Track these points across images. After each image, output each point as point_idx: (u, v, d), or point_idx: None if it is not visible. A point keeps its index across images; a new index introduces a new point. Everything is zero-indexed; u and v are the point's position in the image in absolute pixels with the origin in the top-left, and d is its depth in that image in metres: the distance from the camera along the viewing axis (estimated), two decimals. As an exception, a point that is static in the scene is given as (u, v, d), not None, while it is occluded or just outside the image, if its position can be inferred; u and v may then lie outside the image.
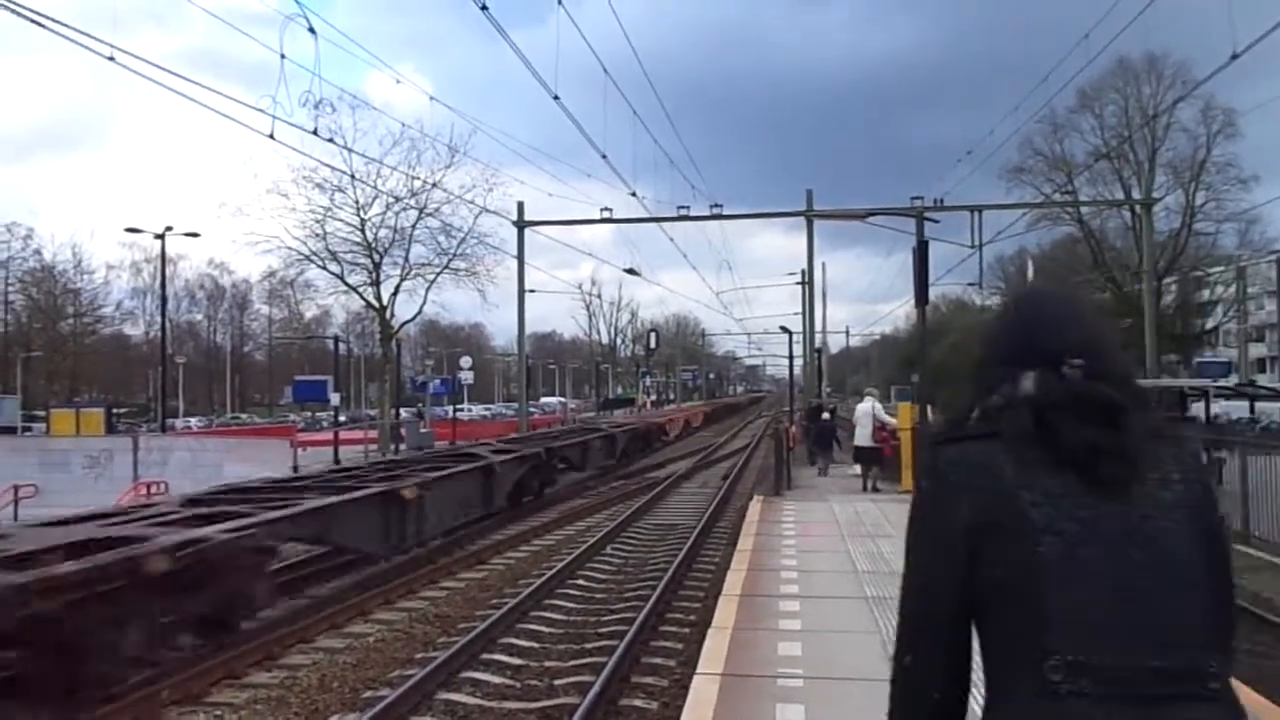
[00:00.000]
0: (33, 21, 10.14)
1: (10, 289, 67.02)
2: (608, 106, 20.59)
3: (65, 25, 10.65)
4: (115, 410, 43.18)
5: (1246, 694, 5.26)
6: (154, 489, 18.69)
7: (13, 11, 9.79)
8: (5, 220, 67.47)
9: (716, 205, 29.40)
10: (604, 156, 21.57)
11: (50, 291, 67.92)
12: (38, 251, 66.72)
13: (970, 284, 44.72)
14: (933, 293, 18.27)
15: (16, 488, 19.41)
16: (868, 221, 25.49)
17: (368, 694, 7.52)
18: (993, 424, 1.39)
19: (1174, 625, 1.28)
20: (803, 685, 5.49)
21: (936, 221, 20.71)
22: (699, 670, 5.81)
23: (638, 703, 7.14)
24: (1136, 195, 43.22)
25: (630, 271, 36.63)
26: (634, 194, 25.70)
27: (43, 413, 45.30)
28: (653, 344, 66.09)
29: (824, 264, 48.48)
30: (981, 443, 1.38)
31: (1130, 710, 1.22)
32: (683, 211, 28.75)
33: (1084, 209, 46.73)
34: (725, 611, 7.26)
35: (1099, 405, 1.34)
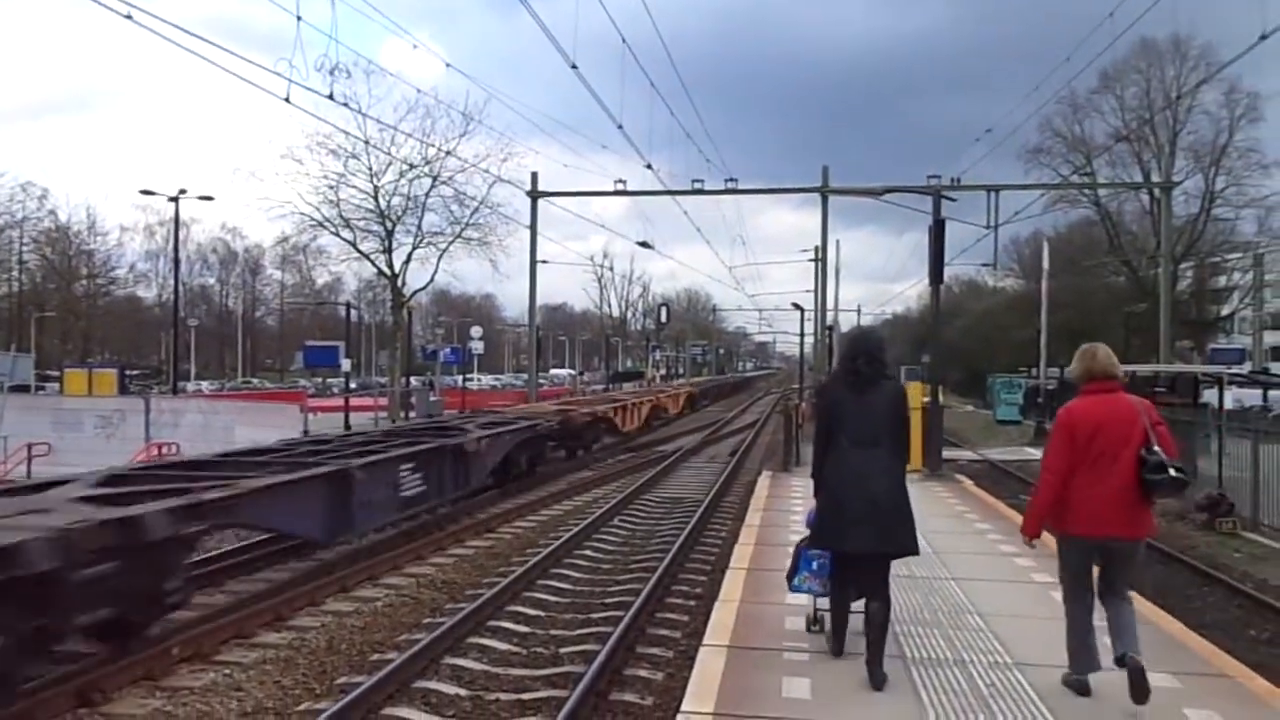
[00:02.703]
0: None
1: (25, 249, 67.30)
2: (625, 79, 20.43)
3: (82, -17, 10.63)
4: (127, 372, 43.36)
5: (1257, 682, 5.26)
6: (166, 450, 18.81)
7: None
8: (20, 180, 67.71)
9: (731, 180, 29.22)
10: (620, 127, 21.43)
11: (64, 252, 68.23)
12: (52, 212, 67.02)
13: (984, 265, 44.50)
14: (946, 273, 18.13)
15: (30, 446, 19.58)
16: (883, 199, 25.32)
17: (375, 657, 7.59)
18: (837, 375, 5.87)
19: (874, 428, 5.32)
20: (808, 659, 5.50)
21: (954, 200, 20.53)
22: (705, 642, 5.83)
23: (643, 673, 7.18)
24: (1156, 178, 42.81)
25: (643, 245, 36.48)
26: (649, 166, 25.52)
27: (56, 372, 45.58)
28: (663, 318, 66.05)
29: (838, 241, 48.30)
30: (833, 382, 5.86)
31: (858, 450, 5.27)
32: (697, 185, 28.57)
33: (1101, 191, 46.35)
34: (732, 584, 7.27)
35: (860, 370, 5.41)
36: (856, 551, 5.18)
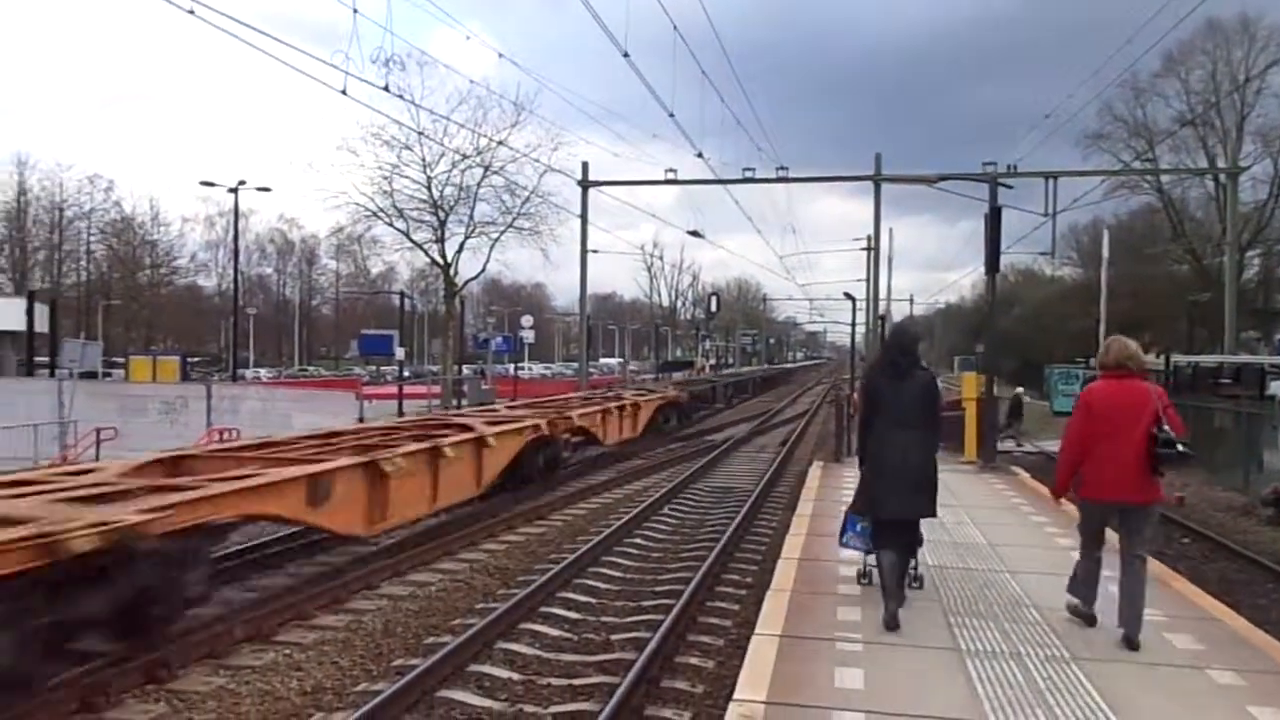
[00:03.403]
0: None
1: (92, 239, 69.30)
2: (677, 66, 20.35)
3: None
4: (188, 359, 44.48)
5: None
6: (226, 435, 19.26)
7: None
8: (88, 172, 69.63)
9: (782, 168, 28.96)
10: (671, 116, 21.34)
11: (129, 242, 70.12)
12: (118, 203, 69.01)
13: (1042, 253, 43.48)
14: (1002, 261, 17.82)
15: (98, 430, 20.18)
16: (936, 187, 24.92)
17: (429, 640, 7.72)
18: (877, 366, 6.81)
19: (909, 412, 6.21)
20: (862, 650, 5.47)
21: (1011, 187, 20.12)
22: (758, 631, 5.82)
23: (693, 660, 7.21)
24: (1221, 164, 41.52)
25: (694, 234, 36.32)
26: (700, 155, 25.39)
27: (121, 359, 46.93)
28: (713, 307, 65.84)
29: (890, 229, 47.68)
30: (874, 372, 6.84)
31: (895, 431, 6.18)
32: (748, 174, 28.37)
33: (1164, 178, 45.07)
34: (784, 574, 7.25)
35: (897, 361, 6.37)
36: (890, 517, 6.27)
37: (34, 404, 22.79)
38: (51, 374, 30.53)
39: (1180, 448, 5.43)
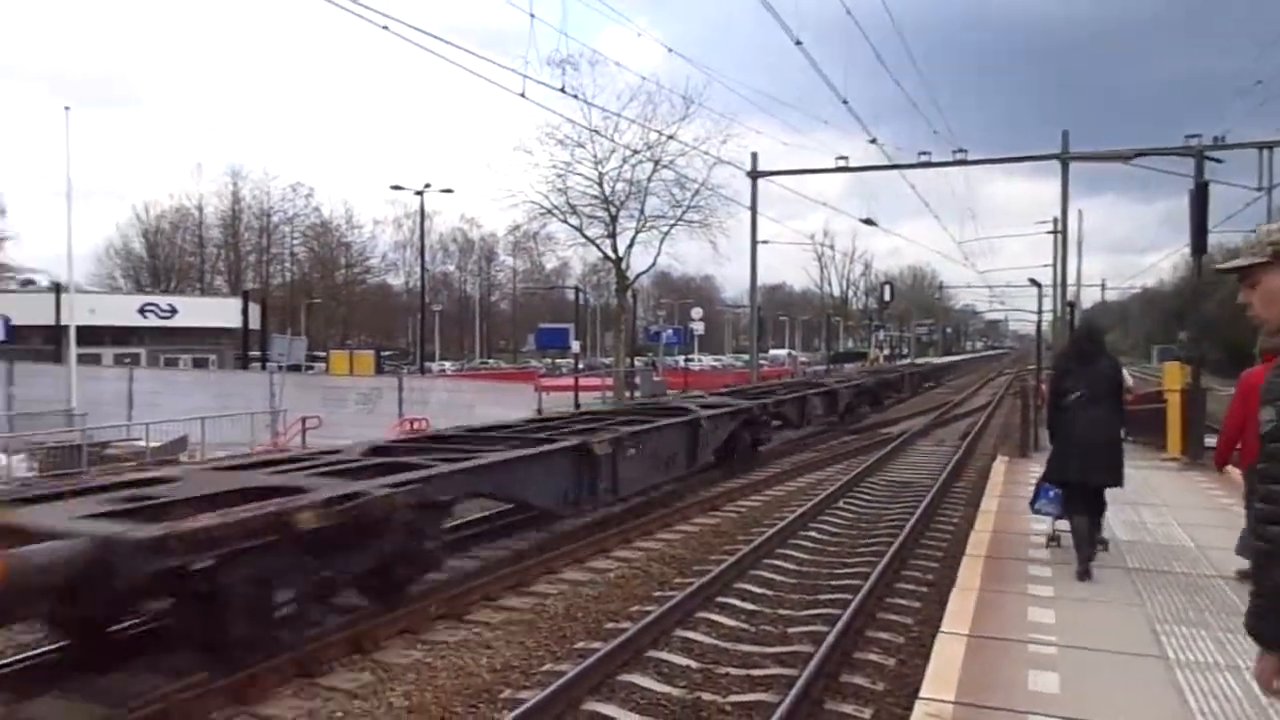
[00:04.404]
0: (317, -4, 11.18)
1: (295, 242, 74.91)
2: (850, 51, 19.93)
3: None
4: (381, 353, 47.39)
5: None
6: (416, 424, 20.41)
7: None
8: (291, 181, 75.28)
9: (960, 150, 27.81)
10: (845, 102, 20.95)
11: (327, 245, 75.35)
12: (317, 209, 74.27)
13: (1253, 231, 39.86)
14: (1209, 241, 16.42)
15: (304, 419, 21.85)
16: (1132, 164, 23.27)
17: (610, 625, 7.93)
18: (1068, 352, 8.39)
19: (1095, 391, 7.07)
20: (1056, 653, 5.23)
21: (1220, 161, 18.58)
22: (943, 629, 5.67)
23: (873, 657, 7.08)
24: None
25: (867, 221, 35.48)
26: (874, 141, 24.80)
27: (322, 354, 50.52)
28: (886, 296, 64.11)
29: (1080, 211, 44.85)
30: (1064, 357, 8.53)
31: (1082, 408, 7.07)
32: (924, 158, 27.43)
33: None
34: (969, 572, 7.02)
35: (1084, 348, 7.49)
36: (1077, 481, 7.12)
37: (249, 395, 24.94)
38: (263, 367, 33.29)
39: None
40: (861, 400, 28.36)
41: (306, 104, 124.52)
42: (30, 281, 51.72)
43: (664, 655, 7.10)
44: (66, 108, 26.83)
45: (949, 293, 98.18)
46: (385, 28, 11.29)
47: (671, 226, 35.07)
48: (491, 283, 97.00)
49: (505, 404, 22.58)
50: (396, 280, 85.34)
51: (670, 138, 31.74)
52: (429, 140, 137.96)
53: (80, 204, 76.87)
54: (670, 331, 49.20)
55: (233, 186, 70.62)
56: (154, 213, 71.49)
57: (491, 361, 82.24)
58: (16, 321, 35.38)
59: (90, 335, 37.07)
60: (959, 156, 27.84)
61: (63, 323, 32.82)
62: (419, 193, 42.17)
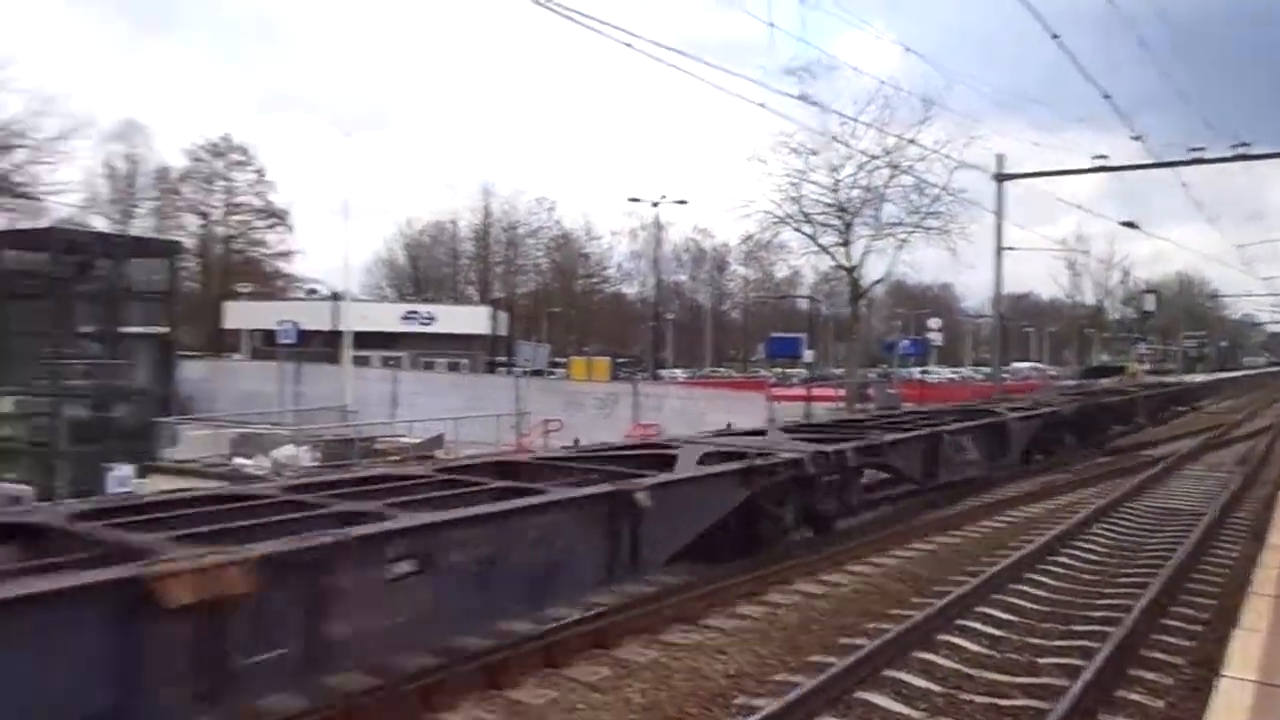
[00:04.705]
0: (566, 18, 11.79)
1: (538, 254, 79.18)
2: (1111, 41, 18.51)
3: (588, 17, 12.25)
4: (616, 359, 49.04)
5: None
6: (650, 430, 20.97)
7: (554, 11, 11.43)
8: (536, 195, 79.71)
9: (1241, 145, 25.10)
10: (1107, 97, 19.52)
11: (569, 255, 79.11)
12: (559, 221, 78.16)
13: None
14: None
15: (546, 421, 23.03)
16: None
17: (844, 640, 7.79)
18: None
19: None
20: (1365, 711, 4.61)
21: None
22: (1225, 673, 5.14)
23: (1136, 697, 6.54)
24: None
25: (1128, 224, 32.88)
26: (1138, 138, 22.90)
27: (562, 360, 52.99)
28: (1149, 306, 58.79)
29: (1394, 209, 38.99)
30: None
31: None
32: (1195, 154, 24.99)
33: None
34: (1255, 612, 6.30)
35: None
36: None
37: (497, 397, 26.60)
38: (508, 371, 35.37)
39: None
40: (1057, 434, 20.26)
41: (552, 121, 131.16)
42: (314, 291, 57.61)
43: (903, 675, 6.89)
44: (348, 134, 29.82)
45: (1224, 302, 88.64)
46: (628, 45, 11.73)
47: (910, 234, 34.01)
48: (723, 292, 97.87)
49: (736, 412, 22.70)
50: (631, 289, 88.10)
51: (910, 141, 30.81)
52: (666, 152, 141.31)
53: (352, 220, 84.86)
54: (906, 342, 47.56)
55: (484, 201, 75.68)
56: (416, 227, 77.96)
57: (722, 370, 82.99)
58: (303, 327, 39.60)
59: (361, 340, 40.90)
60: (1239, 150, 25.15)
61: (339, 328, 36.40)
62: (655, 204, 43.49)
